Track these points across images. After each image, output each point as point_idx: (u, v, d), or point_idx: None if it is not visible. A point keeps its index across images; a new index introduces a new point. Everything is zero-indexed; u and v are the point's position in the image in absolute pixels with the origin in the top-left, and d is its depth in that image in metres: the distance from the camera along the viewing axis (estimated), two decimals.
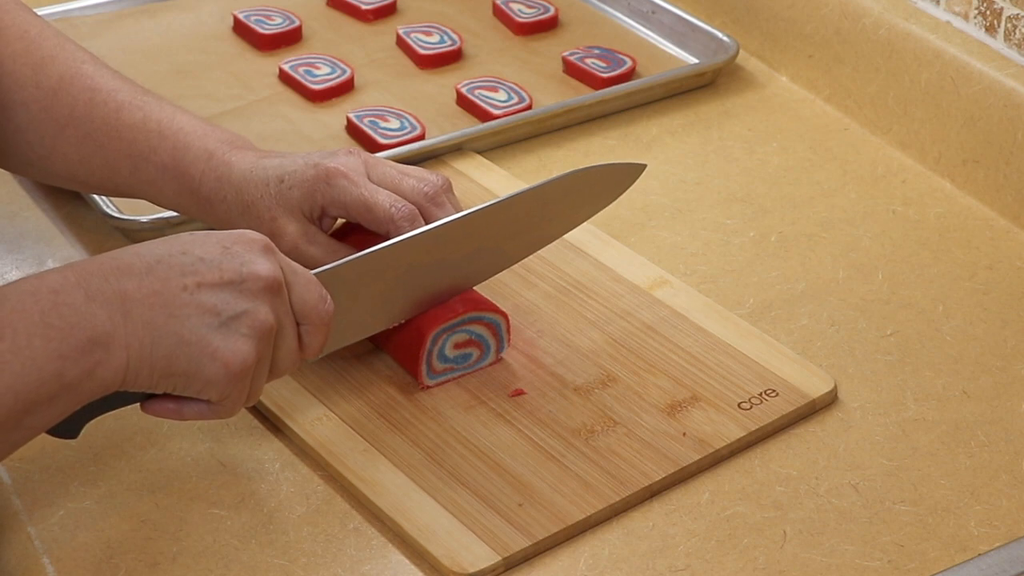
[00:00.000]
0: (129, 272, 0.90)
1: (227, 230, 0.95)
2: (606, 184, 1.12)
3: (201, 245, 0.92)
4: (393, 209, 1.04)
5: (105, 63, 1.12)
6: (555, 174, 1.28)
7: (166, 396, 0.93)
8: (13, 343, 0.85)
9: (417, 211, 1.05)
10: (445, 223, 1.04)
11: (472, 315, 1.06)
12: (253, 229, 1.00)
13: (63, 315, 0.87)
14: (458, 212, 1.06)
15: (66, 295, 0.88)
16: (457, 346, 1.06)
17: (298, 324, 0.96)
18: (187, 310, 0.90)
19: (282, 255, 0.96)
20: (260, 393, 0.95)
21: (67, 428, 0.91)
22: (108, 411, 0.92)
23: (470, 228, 1.05)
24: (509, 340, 1.08)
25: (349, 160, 1.07)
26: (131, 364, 0.89)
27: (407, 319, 1.05)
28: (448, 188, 1.08)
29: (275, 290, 0.93)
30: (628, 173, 1.13)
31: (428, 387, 1.05)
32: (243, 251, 0.93)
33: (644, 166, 1.14)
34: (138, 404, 0.93)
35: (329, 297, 0.97)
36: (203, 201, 1.08)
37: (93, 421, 0.92)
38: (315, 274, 0.98)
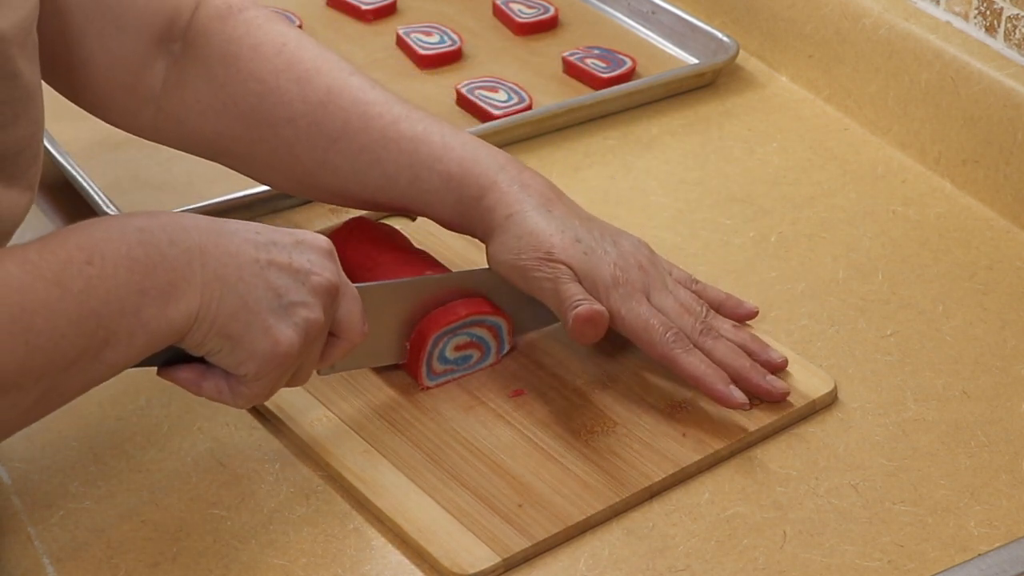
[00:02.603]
0: (208, 230, 0.91)
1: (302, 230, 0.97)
2: None
3: (275, 231, 0.94)
4: (659, 344, 1.03)
5: (367, 74, 1.11)
6: (555, 175, 1.29)
7: (192, 363, 0.93)
8: (102, 269, 0.86)
9: (688, 336, 1.04)
10: (476, 271, 1.05)
11: (474, 318, 1.06)
12: (522, 253, 1.03)
13: (148, 253, 0.88)
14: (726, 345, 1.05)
15: (151, 234, 0.89)
16: (458, 348, 1.06)
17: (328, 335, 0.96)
18: (256, 280, 0.91)
19: (340, 266, 0.97)
20: (276, 392, 0.95)
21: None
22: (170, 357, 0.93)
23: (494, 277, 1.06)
24: (511, 342, 1.08)
25: (639, 258, 1.06)
26: (201, 312, 0.90)
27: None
28: (710, 317, 1.06)
29: (332, 295, 0.94)
30: None
31: (428, 388, 1.05)
32: (311, 251, 0.94)
33: None
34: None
35: (366, 319, 0.98)
36: (483, 214, 1.06)
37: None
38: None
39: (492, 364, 1.07)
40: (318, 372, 0.99)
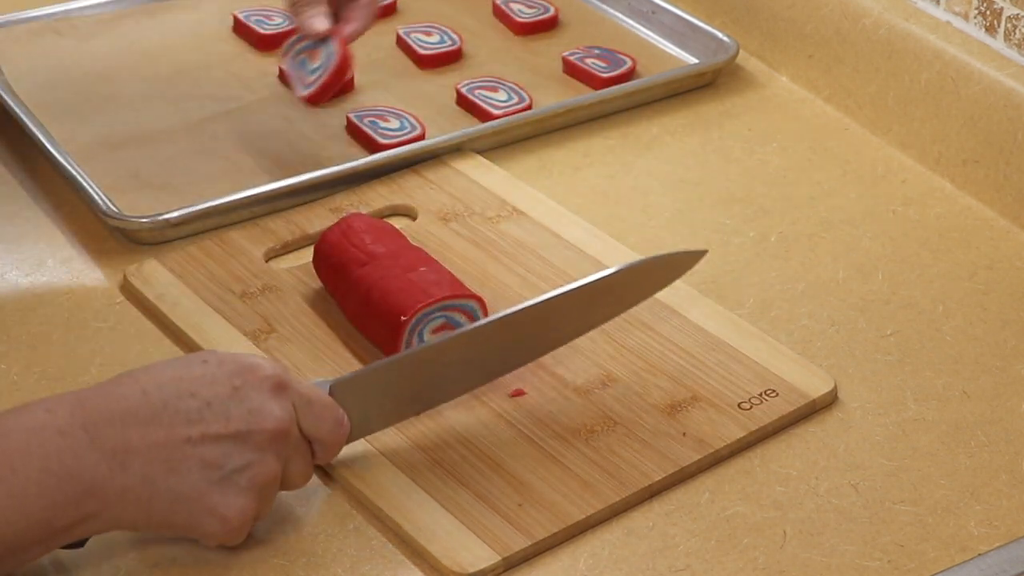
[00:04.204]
0: (135, 419, 0.88)
1: (238, 357, 0.92)
2: (664, 271, 1.06)
3: (210, 384, 0.90)
4: None
5: None
6: (555, 175, 1.29)
7: None
8: (10, 486, 0.84)
9: None
10: (488, 322, 1.01)
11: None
12: None
13: (64, 462, 0.85)
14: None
15: (72, 439, 0.86)
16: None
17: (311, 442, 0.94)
18: (188, 464, 0.88)
19: (295, 386, 0.93)
20: (268, 512, 0.94)
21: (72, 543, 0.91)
22: None
23: (508, 326, 1.01)
24: None
25: None
26: (124, 516, 0.88)
27: (438, 405, 1.03)
28: None
29: (282, 437, 0.91)
30: (689, 260, 1.07)
31: None
32: (253, 392, 0.90)
33: (704, 252, 1.08)
34: None
35: (346, 419, 0.95)
36: None
37: None
38: (335, 384, 0.96)
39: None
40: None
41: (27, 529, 0.85)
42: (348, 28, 1.24)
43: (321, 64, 1.24)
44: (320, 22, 1.21)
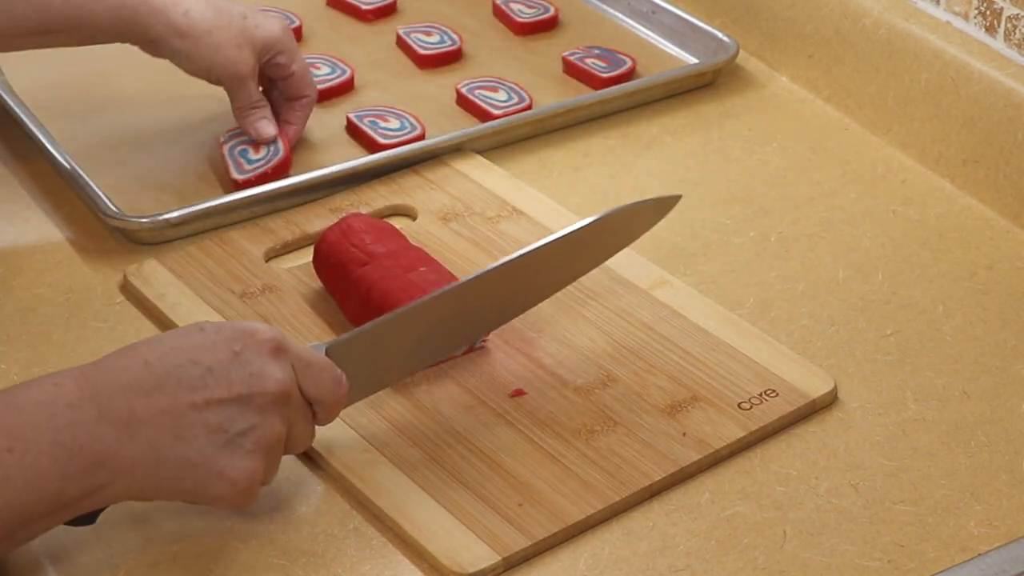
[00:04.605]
0: (139, 388, 0.89)
1: (236, 324, 0.93)
2: (640, 219, 1.10)
3: (210, 350, 0.91)
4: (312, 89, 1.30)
5: None
6: (555, 175, 1.29)
7: None
8: (22, 458, 0.85)
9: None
10: (474, 278, 1.02)
11: None
12: (216, 49, 1.18)
13: (75, 434, 0.86)
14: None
15: (81, 411, 0.87)
16: None
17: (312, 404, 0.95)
18: (194, 430, 0.89)
19: (293, 349, 0.94)
20: (274, 476, 0.94)
21: (83, 516, 0.91)
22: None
23: (498, 279, 1.04)
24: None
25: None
26: (135, 485, 0.89)
27: (433, 363, 1.05)
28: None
29: (284, 399, 0.92)
30: (662, 206, 1.12)
31: None
32: (253, 356, 0.91)
33: (679, 197, 1.13)
34: None
35: (344, 378, 0.96)
36: (142, 21, 1.17)
37: None
38: (331, 345, 0.97)
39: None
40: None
41: (39, 501, 0.86)
42: (292, 130, 1.30)
43: (264, 157, 1.27)
44: (269, 128, 1.28)
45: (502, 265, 1.03)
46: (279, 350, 0.93)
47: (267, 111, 1.28)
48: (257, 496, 0.93)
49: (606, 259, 1.10)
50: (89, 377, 0.89)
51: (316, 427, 0.96)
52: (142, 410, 0.88)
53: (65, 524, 0.90)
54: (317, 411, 0.96)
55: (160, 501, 0.96)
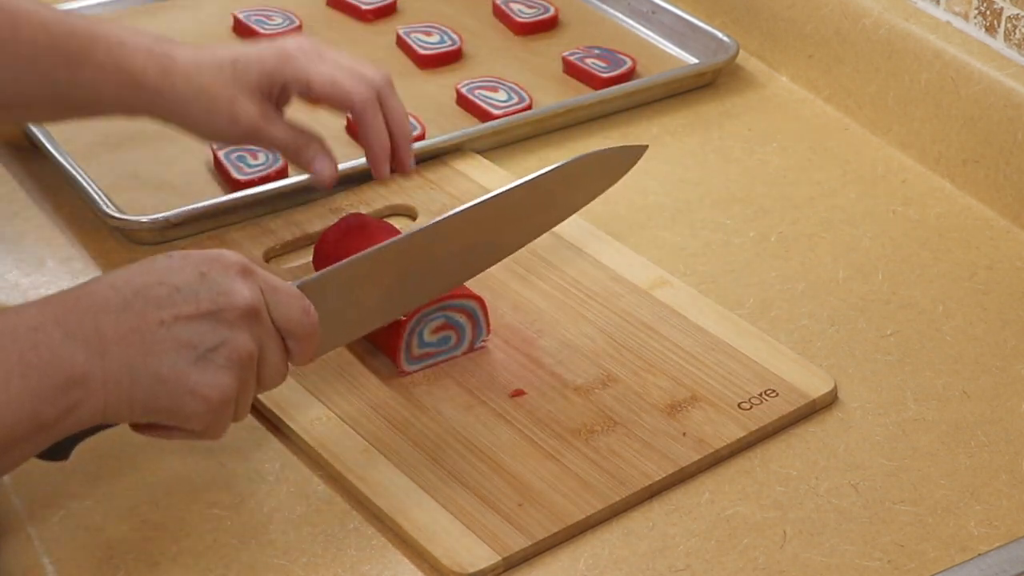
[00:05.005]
0: (106, 308, 0.89)
1: (202, 250, 0.93)
2: (607, 168, 1.13)
3: (178, 272, 0.91)
4: (355, 93, 1.13)
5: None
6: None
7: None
8: None
9: (376, 95, 1.13)
10: (440, 221, 1.03)
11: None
12: (211, 113, 1.09)
13: (41, 355, 0.86)
14: (401, 109, 1.15)
15: (44, 333, 0.87)
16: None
17: (284, 337, 0.94)
18: (164, 346, 0.89)
19: (261, 273, 0.94)
20: (247, 411, 0.94)
21: (56, 451, 0.91)
22: (96, 433, 0.92)
23: (465, 224, 1.05)
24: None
25: (304, 42, 1.15)
26: (109, 403, 0.88)
27: (404, 314, 1.05)
28: (391, 82, 1.15)
29: (253, 316, 0.92)
30: (629, 156, 1.14)
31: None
32: (220, 277, 0.91)
33: (645, 147, 1.16)
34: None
35: (312, 308, 0.95)
36: (150, 94, 1.10)
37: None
38: (301, 284, 0.96)
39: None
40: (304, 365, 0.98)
41: (15, 423, 0.86)
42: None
43: (263, 163, 1.27)
44: (330, 168, 1.16)
45: (471, 207, 1.04)
46: (247, 271, 0.93)
47: (314, 147, 1.16)
48: (228, 425, 0.92)
49: (575, 211, 1.12)
50: (51, 302, 0.89)
51: (315, 424, 0.95)
52: (110, 329, 0.88)
53: (39, 457, 0.90)
54: (290, 344, 0.94)
55: (158, 500, 0.96)
